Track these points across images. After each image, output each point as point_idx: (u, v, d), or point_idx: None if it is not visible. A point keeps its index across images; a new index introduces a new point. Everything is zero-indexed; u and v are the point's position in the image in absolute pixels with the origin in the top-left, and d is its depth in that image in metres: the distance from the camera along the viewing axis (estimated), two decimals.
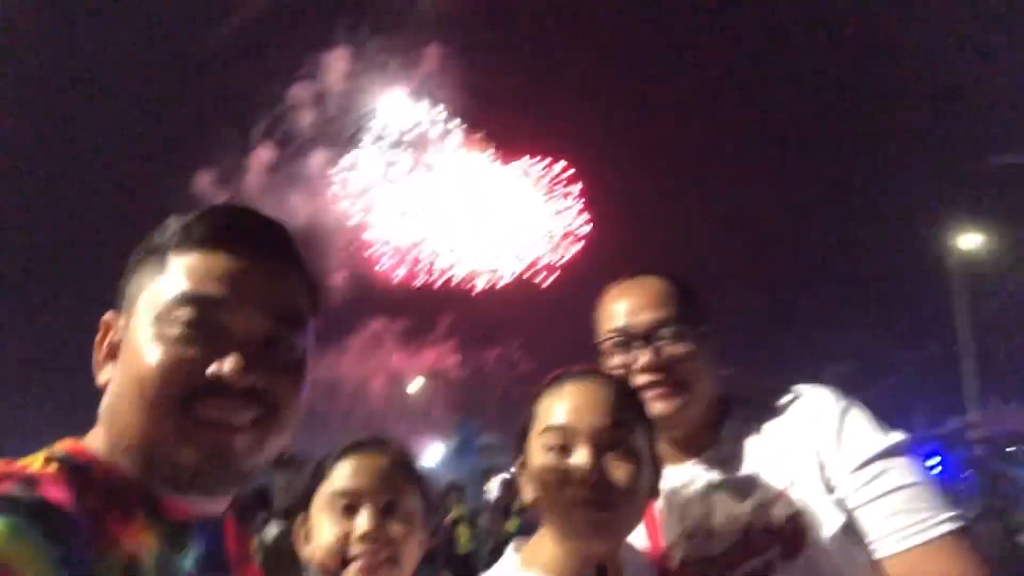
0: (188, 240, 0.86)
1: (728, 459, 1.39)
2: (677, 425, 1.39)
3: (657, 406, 1.34)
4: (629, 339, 1.39)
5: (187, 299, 0.83)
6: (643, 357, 1.36)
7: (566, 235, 26.79)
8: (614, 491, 1.09)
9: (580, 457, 1.11)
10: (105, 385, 0.87)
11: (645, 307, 1.40)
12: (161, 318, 0.83)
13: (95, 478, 0.79)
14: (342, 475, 1.28)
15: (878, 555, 1.20)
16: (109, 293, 0.91)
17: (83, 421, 0.89)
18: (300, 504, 1.34)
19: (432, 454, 25.68)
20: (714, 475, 1.39)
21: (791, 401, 1.40)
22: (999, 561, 6.24)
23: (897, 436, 1.28)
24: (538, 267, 27.07)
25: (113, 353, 0.88)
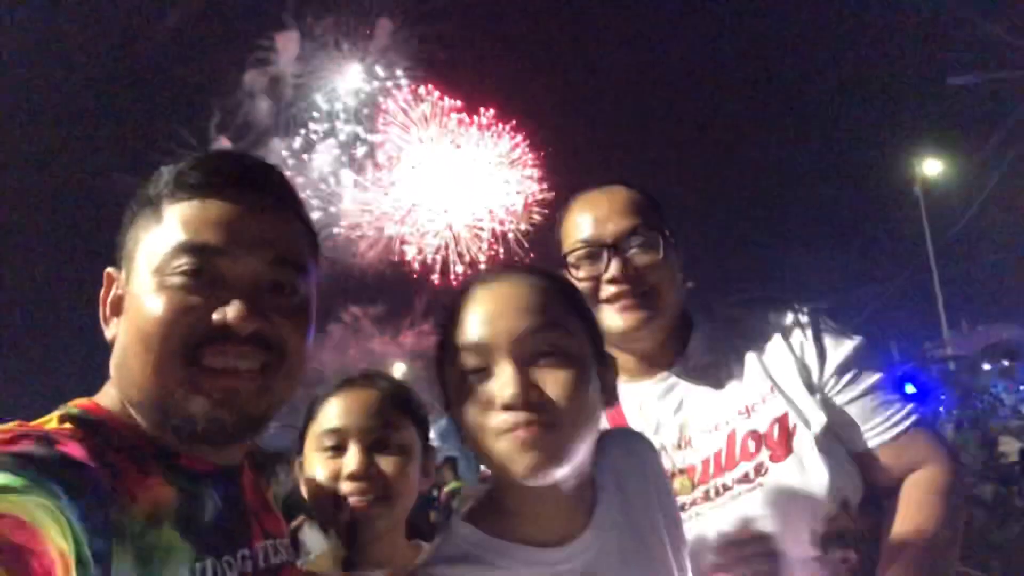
0: (182, 188, 0.85)
1: (699, 369, 1.40)
2: (646, 337, 1.38)
3: (625, 318, 1.34)
4: (597, 249, 1.36)
5: (185, 248, 0.82)
6: (612, 267, 1.34)
7: (533, 202, 26.74)
8: (553, 406, 0.88)
9: (502, 376, 0.88)
10: (113, 340, 0.87)
11: (612, 216, 1.37)
12: (161, 269, 0.82)
13: (110, 434, 0.80)
14: (329, 414, 1.26)
15: (870, 444, 1.30)
16: (66, 289, 0.90)
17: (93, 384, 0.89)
18: (296, 447, 1.33)
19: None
20: (686, 385, 1.39)
21: (754, 311, 1.44)
22: (976, 467, 6.61)
23: (859, 338, 1.38)
24: (507, 234, 27.03)
25: (117, 308, 0.87)
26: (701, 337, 1.43)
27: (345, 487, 1.20)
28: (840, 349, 1.35)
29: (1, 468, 0.64)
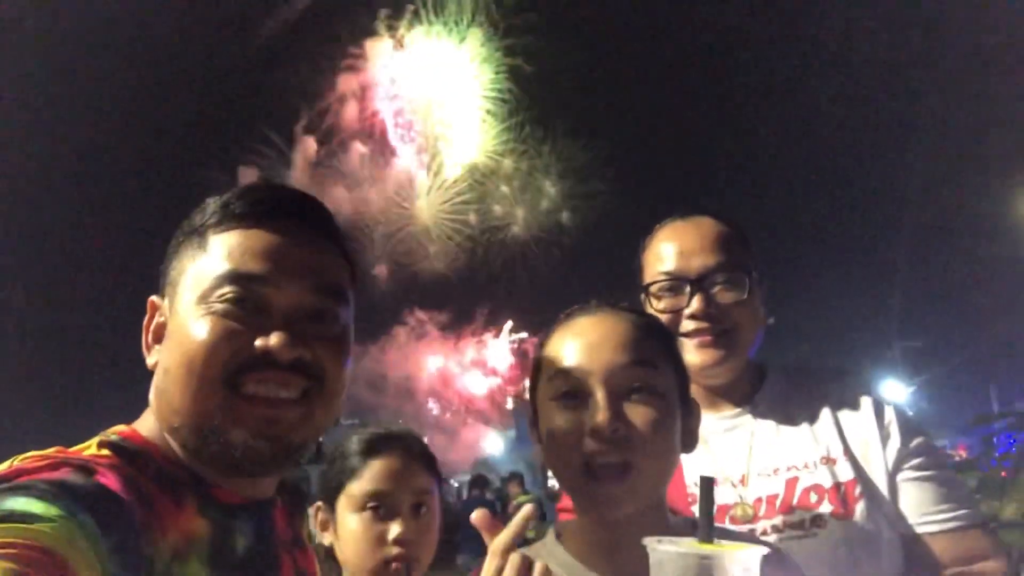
0: (227, 218, 0.87)
1: (769, 412, 1.40)
2: (719, 375, 1.39)
3: (702, 355, 1.35)
4: (680, 283, 1.37)
5: (230, 277, 0.83)
6: (694, 303, 1.34)
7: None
8: (636, 442, 0.93)
9: (595, 404, 0.95)
10: (154, 368, 0.88)
11: (698, 250, 1.37)
12: (205, 296, 0.83)
13: (147, 463, 0.80)
14: (371, 476, 1.32)
15: (918, 531, 1.28)
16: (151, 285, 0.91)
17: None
18: (322, 495, 1.38)
19: (492, 444, 25.65)
20: (753, 426, 1.40)
21: (834, 377, 1.46)
22: None
23: (926, 430, 1.39)
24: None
25: (159, 336, 0.89)
26: (775, 382, 1.45)
27: (391, 551, 1.29)
28: (915, 436, 1.35)
29: (37, 496, 0.64)
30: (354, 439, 1.39)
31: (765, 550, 0.71)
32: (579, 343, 1.01)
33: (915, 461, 1.33)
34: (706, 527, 0.74)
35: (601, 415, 0.94)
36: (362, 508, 1.32)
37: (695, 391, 1.39)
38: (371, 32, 27.17)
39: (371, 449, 1.36)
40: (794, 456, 1.37)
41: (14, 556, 0.57)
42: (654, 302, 1.41)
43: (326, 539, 1.37)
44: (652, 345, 1.02)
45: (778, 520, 1.31)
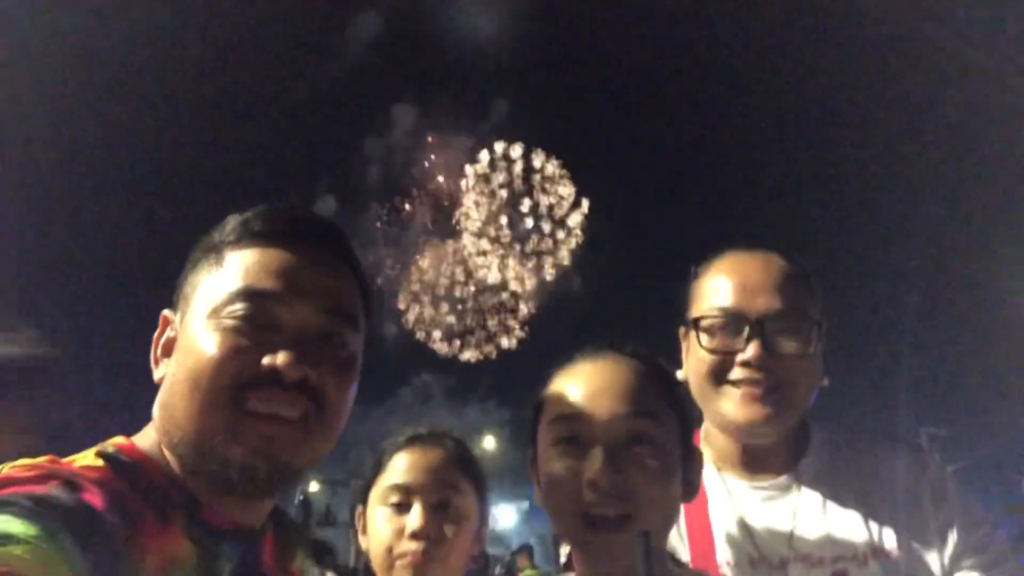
0: (246, 236, 0.88)
1: (812, 487, 1.26)
2: (764, 435, 1.24)
3: (749, 410, 1.19)
4: (738, 322, 1.20)
5: (243, 294, 0.84)
6: (751, 348, 1.18)
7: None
8: (634, 496, 0.92)
9: (593, 454, 0.94)
10: (160, 383, 0.88)
11: (764, 288, 1.21)
12: (217, 311, 0.84)
13: (139, 478, 0.80)
14: (397, 469, 1.29)
15: None
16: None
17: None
18: (359, 497, 1.35)
19: (504, 516, 25.28)
20: (798, 498, 1.26)
21: (882, 449, 1.30)
22: None
23: (987, 515, 1.26)
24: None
25: (168, 350, 0.89)
26: (822, 448, 1.30)
27: (406, 545, 1.22)
28: (977, 527, 1.22)
29: (17, 513, 0.64)
30: (391, 439, 1.36)
31: None
32: (580, 390, 1.00)
33: (974, 560, 1.20)
34: None
35: (599, 468, 0.93)
36: (385, 502, 1.29)
37: (729, 452, 1.31)
38: (396, 99, 28.36)
39: (401, 445, 1.33)
40: (843, 544, 1.23)
41: None
42: (703, 338, 1.24)
43: (364, 543, 1.33)
44: (654, 394, 1.00)
45: None
